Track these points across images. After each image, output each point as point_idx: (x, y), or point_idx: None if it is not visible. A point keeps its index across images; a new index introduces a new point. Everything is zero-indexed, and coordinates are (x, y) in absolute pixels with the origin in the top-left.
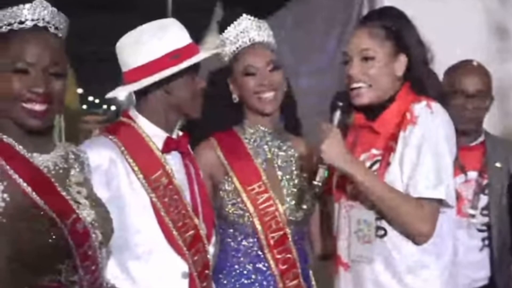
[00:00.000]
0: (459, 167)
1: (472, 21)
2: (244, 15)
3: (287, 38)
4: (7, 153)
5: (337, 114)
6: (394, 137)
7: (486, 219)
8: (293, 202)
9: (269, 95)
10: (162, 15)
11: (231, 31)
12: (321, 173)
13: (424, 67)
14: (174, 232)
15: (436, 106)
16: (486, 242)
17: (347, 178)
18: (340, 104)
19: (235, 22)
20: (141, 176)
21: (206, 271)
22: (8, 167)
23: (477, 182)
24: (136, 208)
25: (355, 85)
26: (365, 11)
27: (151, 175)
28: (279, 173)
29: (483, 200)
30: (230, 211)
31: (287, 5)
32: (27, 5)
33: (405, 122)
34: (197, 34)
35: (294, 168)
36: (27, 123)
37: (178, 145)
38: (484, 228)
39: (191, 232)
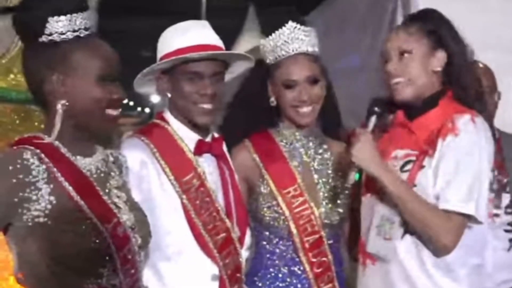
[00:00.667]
0: None
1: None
2: (290, 22)
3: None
4: (54, 155)
5: (372, 119)
6: (431, 142)
7: (511, 218)
8: (329, 205)
9: (307, 109)
10: (196, 18)
11: (275, 38)
12: (352, 176)
13: (464, 63)
14: (205, 234)
15: (479, 121)
16: None
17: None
18: (377, 109)
19: (280, 30)
20: (172, 177)
21: (238, 274)
22: (55, 169)
23: (497, 180)
24: (166, 209)
25: (394, 80)
26: (398, 16)
27: (182, 177)
28: (315, 176)
29: (506, 198)
30: (266, 214)
31: (318, 8)
32: None
33: (444, 131)
34: (230, 37)
35: (330, 171)
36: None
37: (211, 147)
38: (510, 228)
39: (223, 234)
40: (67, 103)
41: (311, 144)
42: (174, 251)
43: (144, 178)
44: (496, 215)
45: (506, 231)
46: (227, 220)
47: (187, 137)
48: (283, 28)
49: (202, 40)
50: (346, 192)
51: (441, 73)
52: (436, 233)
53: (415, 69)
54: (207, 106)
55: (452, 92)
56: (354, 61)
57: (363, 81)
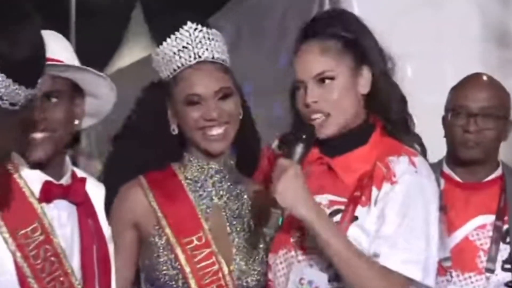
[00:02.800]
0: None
1: (469, 30)
2: (189, 23)
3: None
4: None
5: (299, 148)
6: (362, 188)
7: (510, 276)
8: (244, 261)
9: (217, 132)
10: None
11: (170, 44)
12: (274, 219)
13: (388, 80)
14: None
15: (419, 162)
16: None
17: (293, 224)
18: (303, 136)
19: (176, 34)
20: (4, 229)
21: None
22: None
23: (495, 228)
24: None
25: (315, 115)
26: None
27: (19, 229)
28: (228, 224)
29: (504, 251)
30: (162, 271)
31: (224, 10)
32: None
33: (378, 176)
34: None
35: (247, 219)
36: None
37: (66, 192)
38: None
39: None
40: None
41: (223, 182)
42: None
43: None
44: (491, 270)
45: None
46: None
47: (33, 179)
48: (180, 30)
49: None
50: (266, 245)
51: (365, 97)
52: None
53: (342, 100)
54: (38, 135)
55: (380, 122)
56: (272, 75)
57: (283, 102)
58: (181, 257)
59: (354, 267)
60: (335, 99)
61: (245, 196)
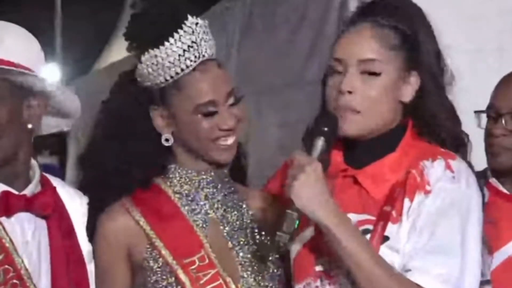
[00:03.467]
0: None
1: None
2: (190, 17)
3: (233, 47)
4: None
5: (319, 143)
6: (393, 201)
7: None
8: (252, 278)
9: (231, 141)
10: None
11: (174, 44)
12: (289, 221)
13: (438, 93)
14: None
15: (458, 166)
16: None
17: (317, 248)
18: (325, 129)
19: (179, 31)
20: None
21: None
22: None
23: None
24: None
25: (345, 107)
26: (352, 9)
27: None
28: (228, 238)
29: None
30: None
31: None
32: None
33: (411, 186)
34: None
35: (249, 230)
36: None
37: (29, 203)
38: None
39: None
40: None
41: (216, 193)
42: None
43: None
44: None
45: None
46: None
47: None
48: (183, 27)
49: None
50: (277, 256)
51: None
52: None
53: (379, 102)
54: None
55: (410, 122)
56: (288, 72)
57: (299, 100)
58: (185, 281)
59: (380, 283)
60: (372, 98)
61: (244, 206)
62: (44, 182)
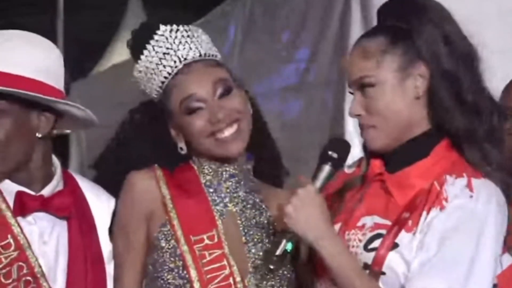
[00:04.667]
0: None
1: None
2: (162, 26)
3: (235, 49)
4: None
5: (326, 169)
6: (414, 209)
7: None
8: (261, 276)
9: (230, 132)
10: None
11: (149, 55)
12: (283, 244)
13: (452, 81)
14: None
15: (479, 185)
16: None
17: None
18: (333, 155)
19: (151, 42)
20: None
21: None
22: None
23: None
24: None
25: (363, 127)
26: (355, 5)
27: None
28: (243, 233)
29: None
30: (166, 281)
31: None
32: None
33: (431, 198)
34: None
35: (265, 230)
36: None
37: (46, 204)
38: None
39: None
40: None
41: (238, 189)
42: None
43: None
44: None
45: None
46: None
47: (7, 190)
48: (154, 37)
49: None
50: (267, 264)
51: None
52: None
53: (387, 109)
54: None
55: (448, 137)
56: (290, 73)
57: (299, 103)
58: (188, 258)
59: None
60: (378, 110)
61: (264, 206)
62: (68, 182)
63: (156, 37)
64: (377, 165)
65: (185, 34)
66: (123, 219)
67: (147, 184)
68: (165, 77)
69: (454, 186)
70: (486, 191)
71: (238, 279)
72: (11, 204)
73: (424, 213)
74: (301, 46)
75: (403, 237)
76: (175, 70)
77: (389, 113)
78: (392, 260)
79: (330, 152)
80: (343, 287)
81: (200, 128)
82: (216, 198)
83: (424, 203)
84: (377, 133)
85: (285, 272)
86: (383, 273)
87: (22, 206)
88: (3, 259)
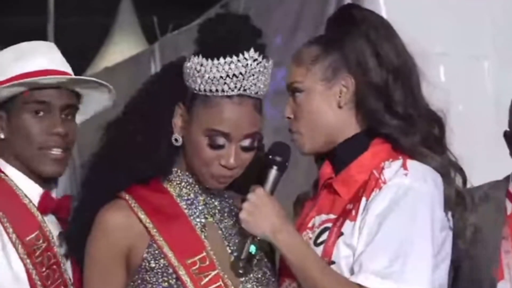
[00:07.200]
0: None
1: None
2: (253, 51)
3: None
4: None
5: (273, 172)
6: (356, 201)
7: None
8: (250, 285)
9: (230, 174)
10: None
11: (222, 64)
12: (246, 248)
13: (377, 89)
14: None
15: (414, 164)
16: None
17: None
18: (279, 159)
19: (234, 57)
20: (13, 236)
21: None
22: None
23: None
24: (6, 279)
25: (292, 132)
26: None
27: (25, 235)
28: (226, 243)
29: None
30: None
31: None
32: None
33: (370, 185)
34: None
35: (245, 236)
36: None
37: (58, 206)
38: None
39: None
40: None
41: (214, 199)
42: None
43: None
44: None
45: None
46: None
47: (29, 191)
48: (240, 56)
49: (50, 64)
50: (236, 269)
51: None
52: None
53: (313, 117)
54: (56, 151)
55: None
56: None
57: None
58: (187, 281)
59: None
60: (303, 116)
61: (237, 210)
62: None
63: (241, 56)
64: (326, 171)
65: (261, 69)
66: (98, 262)
67: (122, 221)
68: (217, 90)
69: (391, 168)
70: (421, 170)
71: None
72: (35, 202)
73: (364, 199)
74: (294, 50)
75: (347, 226)
76: (230, 94)
77: (314, 120)
78: (339, 249)
79: (274, 157)
80: (303, 280)
81: (209, 159)
82: (195, 211)
83: (364, 190)
84: (302, 139)
85: (273, 280)
86: (333, 263)
87: (45, 205)
88: (37, 250)
